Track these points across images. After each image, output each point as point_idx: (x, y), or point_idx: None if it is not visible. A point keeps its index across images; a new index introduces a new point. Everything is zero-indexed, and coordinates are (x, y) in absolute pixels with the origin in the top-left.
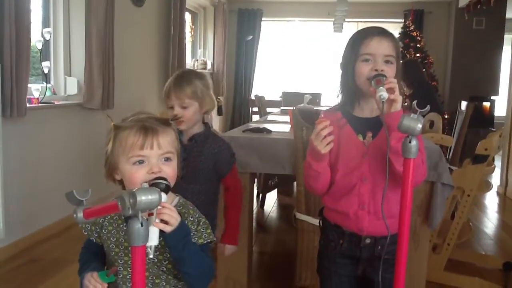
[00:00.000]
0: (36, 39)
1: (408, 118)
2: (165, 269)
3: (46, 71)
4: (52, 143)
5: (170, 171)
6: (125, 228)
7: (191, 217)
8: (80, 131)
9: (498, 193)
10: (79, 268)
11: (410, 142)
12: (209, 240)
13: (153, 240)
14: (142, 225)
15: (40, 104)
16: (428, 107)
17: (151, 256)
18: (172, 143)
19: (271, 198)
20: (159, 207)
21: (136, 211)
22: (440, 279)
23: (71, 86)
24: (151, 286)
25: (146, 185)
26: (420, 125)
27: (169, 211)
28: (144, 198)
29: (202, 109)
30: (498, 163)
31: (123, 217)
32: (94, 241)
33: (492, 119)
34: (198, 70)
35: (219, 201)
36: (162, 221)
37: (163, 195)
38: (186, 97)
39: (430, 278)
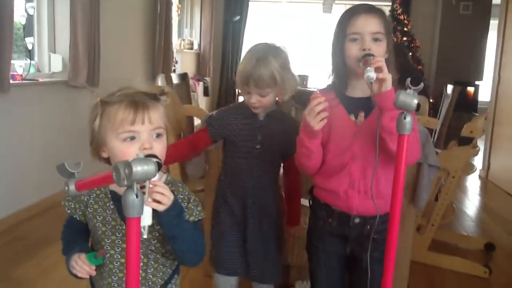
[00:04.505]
0: (19, 14)
1: (404, 94)
2: (153, 248)
3: (30, 47)
4: (37, 120)
5: (160, 147)
6: (112, 207)
7: (181, 195)
8: (65, 108)
9: (480, 177)
10: (63, 247)
11: (405, 118)
12: (200, 218)
13: (147, 220)
14: (137, 196)
15: (24, 81)
16: (421, 85)
17: (145, 237)
18: (162, 118)
19: None
20: (151, 185)
21: (132, 182)
22: (424, 259)
23: (56, 63)
24: (140, 265)
25: (141, 155)
26: (415, 101)
27: (162, 189)
28: (140, 168)
29: (282, 94)
30: (481, 147)
31: (109, 195)
32: (78, 219)
33: (475, 104)
34: (276, 45)
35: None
36: (155, 200)
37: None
38: (266, 86)
39: (414, 258)
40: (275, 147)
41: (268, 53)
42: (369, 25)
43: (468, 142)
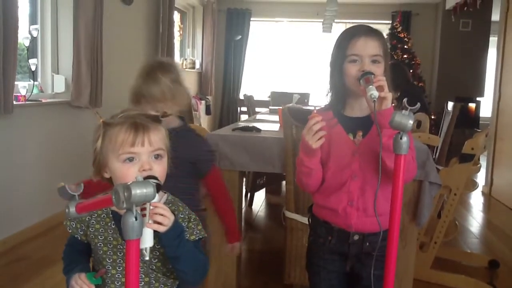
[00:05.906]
0: (23, 36)
1: (400, 115)
2: (154, 267)
3: (33, 68)
4: (39, 141)
5: (160, 169)
6: (113, 227)
7: (181, 214)
8: (67, 129)
9: (483, 193)
10: (64, 267)
11: (401, 138)
12: (200, 236)
13: (148, 241)
14: (136, 219)
15: (27, 102)
16: (418, 105)
17: (147, 258)
18: (163, 140)
19: (259, 197)
20: (151, 207)
21: (131, 204)
22: (427, 277)
23: (59, 84)
24: (141, 284)
25: (140, 178)
26: (411, 121)
27: (162, 210)
28: (139, 191)
29: (175, 107)
30: (483, 163)
31: (110, 215)
32: (79, 239)
33: (477, 120)
34: (165, 61)
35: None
36: (156, 221)
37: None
38: (156, 101)
39: (417, 276)
40: (179, 166)
41: (156, 69)
42: (369, 48)
43: (470, 159)
